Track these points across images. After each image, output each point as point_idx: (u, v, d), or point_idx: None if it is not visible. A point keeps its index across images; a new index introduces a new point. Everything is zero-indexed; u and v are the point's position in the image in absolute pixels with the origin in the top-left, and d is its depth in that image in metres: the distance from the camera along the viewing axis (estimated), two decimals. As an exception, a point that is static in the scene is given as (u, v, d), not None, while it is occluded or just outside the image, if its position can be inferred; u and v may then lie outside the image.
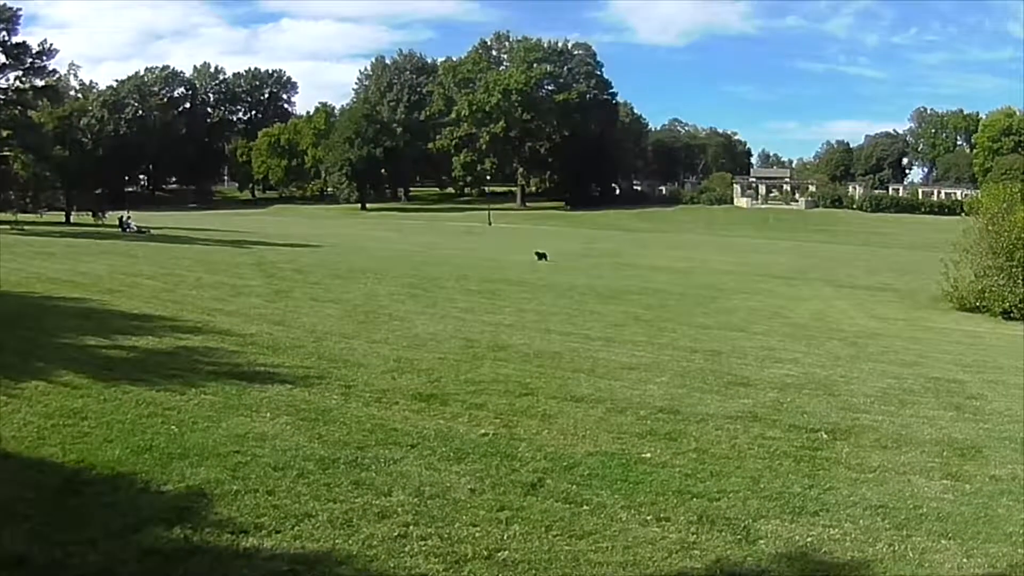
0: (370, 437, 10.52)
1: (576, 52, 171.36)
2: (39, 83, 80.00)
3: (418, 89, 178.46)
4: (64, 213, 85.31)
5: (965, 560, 7.82)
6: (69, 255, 36.91)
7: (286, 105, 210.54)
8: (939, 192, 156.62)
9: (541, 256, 53.30)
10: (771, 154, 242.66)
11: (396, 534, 7.63)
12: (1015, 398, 15.57)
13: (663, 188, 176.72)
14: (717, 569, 7.40)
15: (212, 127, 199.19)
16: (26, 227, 64.25)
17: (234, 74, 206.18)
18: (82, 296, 22.90)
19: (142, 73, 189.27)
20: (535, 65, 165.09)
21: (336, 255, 48.53)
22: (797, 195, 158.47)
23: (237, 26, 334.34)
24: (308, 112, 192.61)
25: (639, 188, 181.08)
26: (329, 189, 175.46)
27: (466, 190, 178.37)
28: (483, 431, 11.09)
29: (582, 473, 9.61)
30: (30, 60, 77.62)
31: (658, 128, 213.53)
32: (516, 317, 23.97)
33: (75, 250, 40.62)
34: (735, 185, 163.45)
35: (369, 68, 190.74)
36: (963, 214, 43.36)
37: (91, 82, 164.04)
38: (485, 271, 41.89)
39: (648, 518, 8.37)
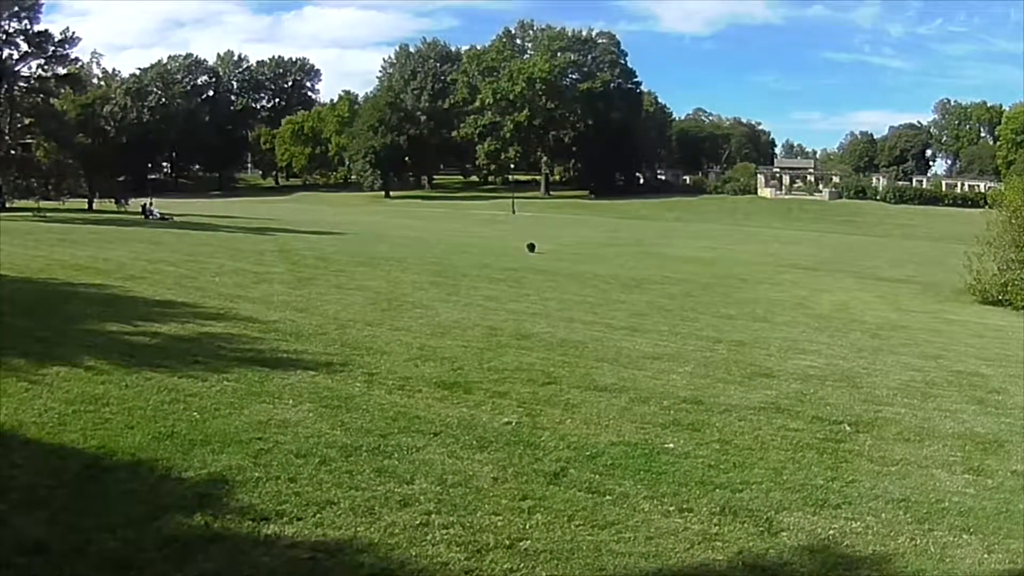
0: (393, 425, 10.51)
1: (600, 41, 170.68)
2: (61, 71, 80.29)
3: (442, 77, 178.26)
4: (87, 200, 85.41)
5: (986, 555, 7.78)
6: (91, 242, 37.02)
7: (310, 93, 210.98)
8: (962, 184, 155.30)
9: (531, 248, 50.11)
10: (795, 144, 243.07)
11: (418, 522, 7.62)
12: (1038, 392, 15.50)
13: (687, 177, 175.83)
14: (739, 561, 7.37)
15: (235, 115, 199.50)
16: (48, 214, 64.40)
17: (257, 62, 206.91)
18: (104, 283, 22.97)
19: (165, 61, 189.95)
20: (559, 54, 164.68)
21: (359, 243, 48.55)
22: (821, 186, 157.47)
23: (260, 14, 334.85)
24: (332, 100, 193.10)
25: (663, 177, 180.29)
26: (352, 177, 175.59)
27: (490, 178, 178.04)
28: (506, 420, 11.08)
29: (605, 463, 9.60)
30: (52, 48, 77.92)
31: (682, 117, 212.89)
32: (540, 306, 23.96)
33: (97, 237, 40.73)
34: (759, 175, 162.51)
35: (393, 56, 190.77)
36: (986, 207, 43.10)
37: (114, 70, 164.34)
38: (508, 259, 41.88)
39: (670, 509, 8.35)
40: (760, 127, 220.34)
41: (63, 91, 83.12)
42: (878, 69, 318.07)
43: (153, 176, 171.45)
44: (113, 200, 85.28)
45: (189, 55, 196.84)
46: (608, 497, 8.53)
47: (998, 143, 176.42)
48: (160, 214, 69.35)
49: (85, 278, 23.81)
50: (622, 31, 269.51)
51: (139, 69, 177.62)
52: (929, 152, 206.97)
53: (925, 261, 62.71)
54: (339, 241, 49.03)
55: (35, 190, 76.59)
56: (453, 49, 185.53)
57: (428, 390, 12.41)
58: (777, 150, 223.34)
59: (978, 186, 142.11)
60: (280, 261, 31.96)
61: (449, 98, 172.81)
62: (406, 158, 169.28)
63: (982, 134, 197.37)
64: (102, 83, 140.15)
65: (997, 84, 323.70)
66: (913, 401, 14.02)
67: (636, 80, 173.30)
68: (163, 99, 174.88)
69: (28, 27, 76.32)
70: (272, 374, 12.57)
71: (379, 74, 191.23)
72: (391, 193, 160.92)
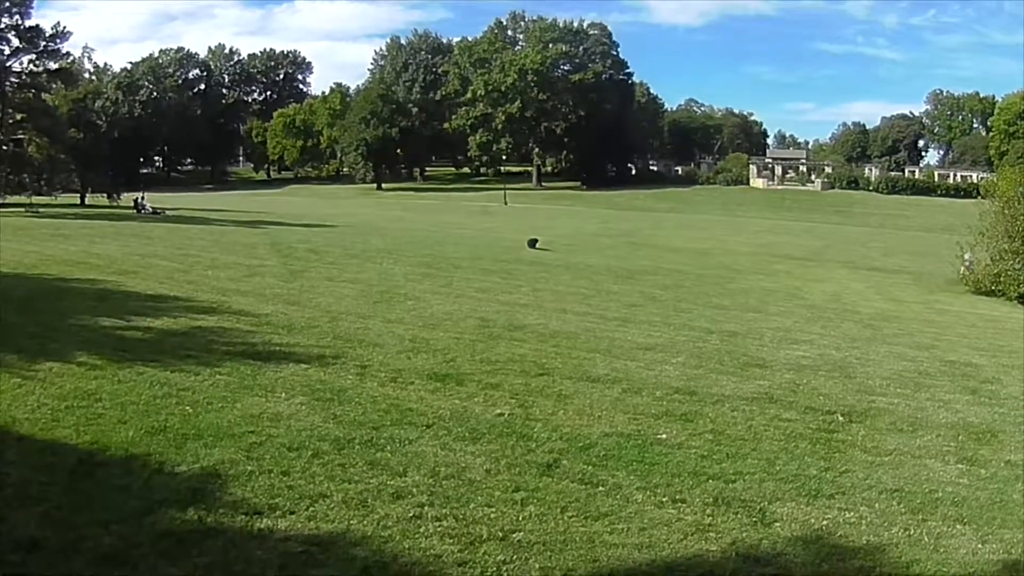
0: (385, 417, 10.51)
1: (592, 32, 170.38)
2: (53, 66, 79.70)
3: (433, 69, 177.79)
4: (79, 195, 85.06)
5: (980, 545, 7.80)
6: (84, 237, 36.89)
7: (301, 85, 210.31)
8: (955, 175, 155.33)
9: (532, 243, 47.20)
10: (787, 135, 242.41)
11: (411, 515, 7.64)
12: (1031, 382, 15.53)
13: (679, 168, 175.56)
14: (733, 551, 7.39)
15: (227, 108, 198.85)
16: (41, 209, 64.09)
17: (249, 55, 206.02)
18: (97, 278, 22.92)
19: (156, 55, 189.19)
20: (551, 45, 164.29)
21: (351, 235, 48.37)
22: (813, 176, 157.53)
23: (251, 7, 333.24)
24: (323, 92, 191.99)
25: (655, 168, 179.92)
26: (345, 169, 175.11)
27: (482, 170, 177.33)
28: (499, 411, 11.09)
29: (598, 454, 9.61)
30: (43, 43, 77.31)
31: (674, 108, 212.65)
32: (532, 297, 23.96)
33: (90, 232, 40.60)
34: (751, 166, 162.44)
35: (384, 48, 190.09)
36: (979, 197, 43.20)
37: (105, 64, 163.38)
38: (501, 251, 41.76)
39: (664, 500, 8.36)
40: (752, 118, 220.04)
41: (55, 86, 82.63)
42: (871, 60, 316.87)
43: (145, 170, 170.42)
44: (105, 195, 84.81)
45: (180, 49, 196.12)
46: (601, 488, 8.54)
47: (991, 134, 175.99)
48: (152, 208, 68.99)
49: (78, 273, 23.76)
50: (614, 22, 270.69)
51: (130, 63, 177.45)
52: (922, 143, 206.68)
53: (918, 251, 62.77)
54: (331, 234, 48.87)
55: (27, 185, 76.10)
56: (445, 41, 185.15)
57: (420, 382, 12.42)
58: (769, 140, 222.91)
59: (971, 176, 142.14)
60: (272, 254, 31.87)
61: (441, 90, 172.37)
62: (398, 150, 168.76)
63: (975, 125, 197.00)
64: (93, 78, 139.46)
65: (990, 75, 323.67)
66: (906, 391, 14.05)
67: (628, 71, 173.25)
68: (155, 93, 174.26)
69: (19, 22, 75.72)
70: (264, 367, 12.56)
71: (371, 66, 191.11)
72: (383, 185, 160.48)
